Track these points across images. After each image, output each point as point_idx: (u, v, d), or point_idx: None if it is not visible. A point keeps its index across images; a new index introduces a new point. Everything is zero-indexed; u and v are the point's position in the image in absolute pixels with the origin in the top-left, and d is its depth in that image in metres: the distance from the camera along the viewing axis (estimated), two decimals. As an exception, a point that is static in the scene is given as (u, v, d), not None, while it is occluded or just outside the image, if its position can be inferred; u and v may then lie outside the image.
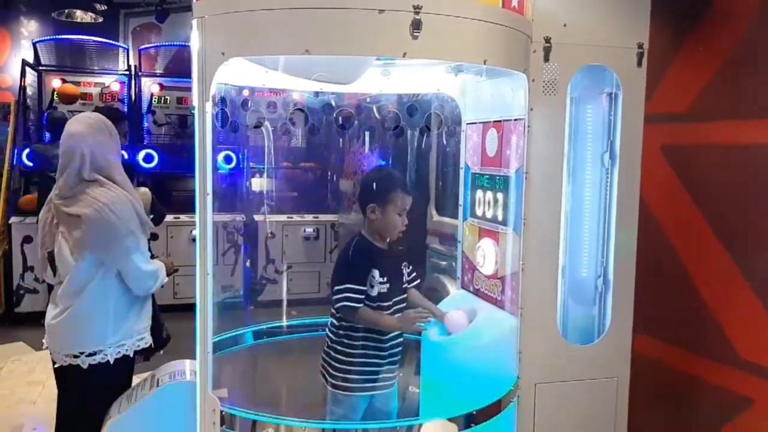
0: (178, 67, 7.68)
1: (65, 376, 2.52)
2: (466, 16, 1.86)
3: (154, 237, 4.26)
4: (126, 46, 7.93)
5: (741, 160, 2.62)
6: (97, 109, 4.64)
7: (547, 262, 2.38)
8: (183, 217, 6.20)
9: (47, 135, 6.81)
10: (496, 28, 1.95)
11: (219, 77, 1.88)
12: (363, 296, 2.34)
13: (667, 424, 2.95)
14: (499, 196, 2.45)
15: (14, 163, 6.46)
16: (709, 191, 2.77)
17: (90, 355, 2.46)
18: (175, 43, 7.94)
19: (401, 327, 2.42)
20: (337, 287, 2.36)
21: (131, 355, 2.55)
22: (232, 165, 4.64)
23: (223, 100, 2.35)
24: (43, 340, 2.59)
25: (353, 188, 4.54)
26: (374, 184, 2.45)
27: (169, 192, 6.30)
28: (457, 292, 2.83)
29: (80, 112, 6.81)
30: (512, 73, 2.15)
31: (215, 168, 2.00)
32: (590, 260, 2.58)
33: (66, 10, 7.46)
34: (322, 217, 6.79)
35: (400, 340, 2.49)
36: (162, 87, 7.44)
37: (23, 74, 6.83)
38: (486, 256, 2.54)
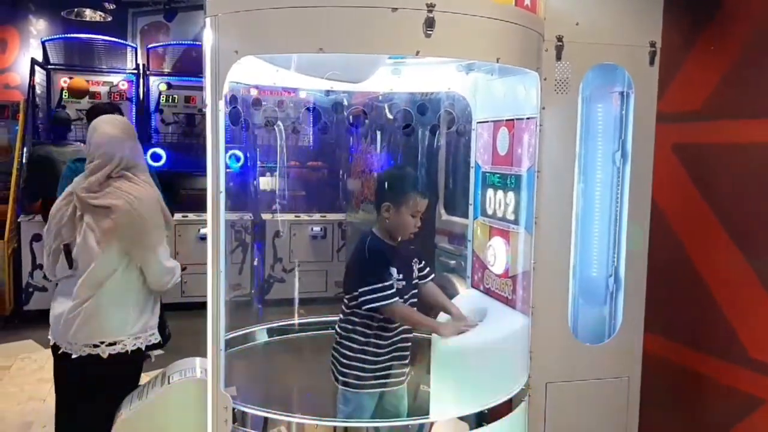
0: (186, 66, 7.69)
1: (76, 368, 2.54)
2: (478, 14, 1.86)
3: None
4: (134, 45, 7.95)
5: (753, 159, 2.61)
6: (96, 106, 4.66)
7: (558, 261, 2.38)
8: (191, 216, 6.21)
9: (51, 135, 6.83)
10: (509, 26, 1.94)
11: (231, 76, 1.88)
12: (393, 290, 2.34)
13: (678, 424, 2.94)
14: (510, 194, 2.45)
15: (23, 161, 6.49)
16: (721, 190, 2.76)
17: (110, 344, 2.52)
18: (183, 42, 7.96)
19: (440, 331, 2.40)
20: (362, 288, 2.35)
21: (143, 349, 2.60)
22: (240, 164, 4.65)
23: (233, 98, 2.35)
24: (49, 336, 2.62)
25: (361, 187, 4.54)
26: (392, 183, 2.46)
27: (176, 191, 6.31)
28: (466, 291, 2.82)
29: (86, 110, 6.88)
30: (524, 72, 2.15)
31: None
32: (601, 259, 2.58)
33: (75, 9, 7.49)
34: (330, 216, 6.80)
35: (408, 335, 2.49)
36: (170, 86, 7.45)
37: (32, 73, 6.85)
38: (497, 255, 2.54)
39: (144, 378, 2.68)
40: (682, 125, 2.88)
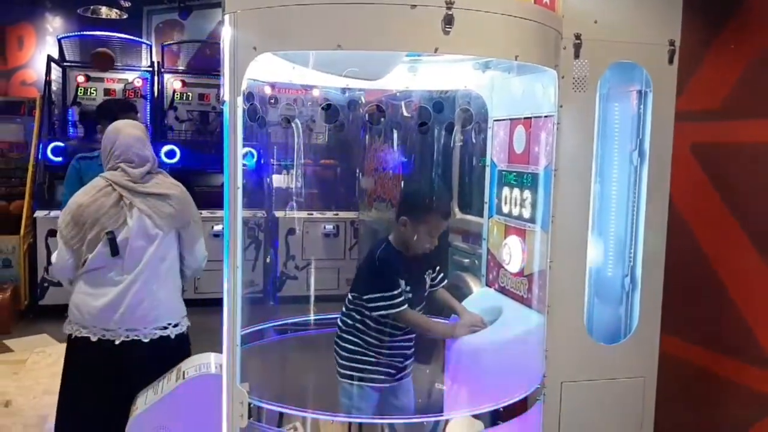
0: (200, 64, 7.74)
1: (122, 354, 2.62)
2: (497, 11, 1.85)
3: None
4: (149, 43, 8.01)
5: (772, 159, 2.59)
6: (109, 102, 4.69)
7: (574, 260, 2.36)
8: (205, 213, 6.21)
9: (71, 130, 6.88)
10: (528, 23, 1.93)
11: (249, 73, 1.88)
12: (402, 297, 2.35)
13: (694, 425, 2.93)
14: (527, 193, 2.44)
15: (39, 157, 6.56)
16: (739, 190, 2.74)
17: (175, 326, 2.73)
18: (197, 39, 8.00)
19: (453, 333, 2.40)
20: (371, 295, 2.37)
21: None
22: (253, 161, 4.66)
23: (250, 95, 2.36)
24: (96, 328, 2.63)
25: (375, 185, 4.54)
26: (416, 199, 2.48)
27: (191, 188, 6.33)
28: (481, 289, 2.82)
29: (107, 96, 6.88)
30: (541, 70, 2.14)
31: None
32: (617, 259, 2.57)
33: (91, 7, 7.55)
34: (342, 214, 6.81)
35: (411, 335, 2.49)
36: (184, 83, 7.50)
37: (48, 70, 6.92)
38: (512, 253, 2.53)
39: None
40: (700, 124, 2.86)
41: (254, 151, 4.47)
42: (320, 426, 2.02)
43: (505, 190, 2.60)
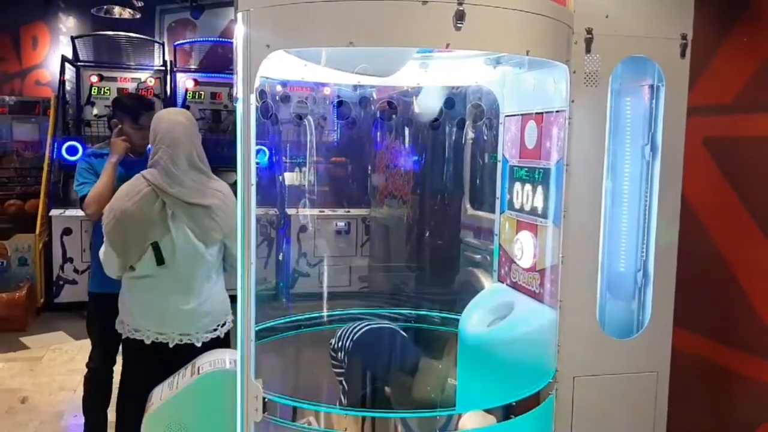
0: (213, 63, 7.78)
1: (177, 355, 2.70)
2: (508, 6, 1.86)
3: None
4: (162, 42, 8.06)
5: (787, 153, 2.58)
6: (127, 96, 4.69)
7: (586, 255, 2.36)
8: (217, 211, 6.27)
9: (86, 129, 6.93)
10: (539, 18, 1.94)
11: (262, 70, 1.90)
12: None
13: (708, 420, 2.92)
14: (538, 188, 2.44)
15: (54, 157, 6.62)
16: (752, 184, 2.73)
17: (223, 325, 2.83)
18: (209, 39, 8.03)
19: None
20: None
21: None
22: (265, 159, 4.68)
23: (262, 93, 2.37)
24: (150, 331, 2.72)
25: (386, 182, 4.55)
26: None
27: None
28: (493, 285, 2.82)
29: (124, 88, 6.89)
30: (552, 65, 2.14)
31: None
32: (629, 254, 2.56)
33: (104, 7, 7.61)
34: (354, 211, 6.82)
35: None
36: (196, 82, 7.54)
37: (62, 70, 6.98)
38: (524, 249, 2.53)
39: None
40: (713, 119, 2.85)
41: (266, 150, 4.50)
42: (333, 420, 2.04)
43: (517, 186, 2.60)
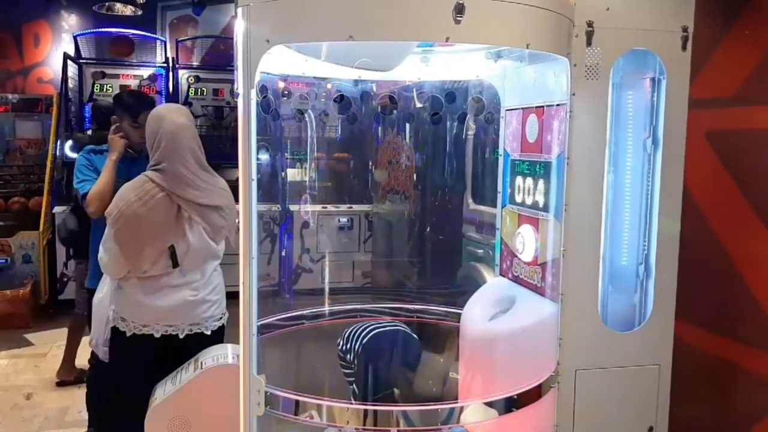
0: (215, 59, 7.78)
1: (186, 345, 2.76)
2: (508, -1, 1.86)
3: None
4: (163, 39, 8.06)
5: (789, 146, 2.57)
6: (129, 94, 4.69)
7: (588, 248, 2.36)
8: (220, 207, 6.27)
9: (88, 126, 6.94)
10: (539, 11, 1.93)
11: (262, 65, 1.90)
12: None
13: (710, 413, 2.92)
14: (540, 182, 2.44)
15: (57, 154, 6.63)
16: (754, 177, 2.72)
17: (223, 315, 2.93)
18: (211, 35, 8.03)
19: None
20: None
21: None
22: (267, 155, 4.68)
23: (263, 88, 2.37)
24: (159, 325, 2.74)
25: (388, 177, 4.54)
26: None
27: (205, 183, 6.38)
28: (495, 278, 2.82)
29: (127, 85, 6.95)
30: (553, 58, 2.14)
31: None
32: (631, 247, 2.56)
33: (106, 4, 7.61)
34: (356, 207, 6.82)
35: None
36: (198, 79, 7.54)
37: (65, 67, 6.99)
38: (525, 242, 2.53)
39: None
40: (714, 111, 2.84)
41: (268, 145, 4.49)
42: (336, 413, 2.05)
43: (518, 180, 2.60)
